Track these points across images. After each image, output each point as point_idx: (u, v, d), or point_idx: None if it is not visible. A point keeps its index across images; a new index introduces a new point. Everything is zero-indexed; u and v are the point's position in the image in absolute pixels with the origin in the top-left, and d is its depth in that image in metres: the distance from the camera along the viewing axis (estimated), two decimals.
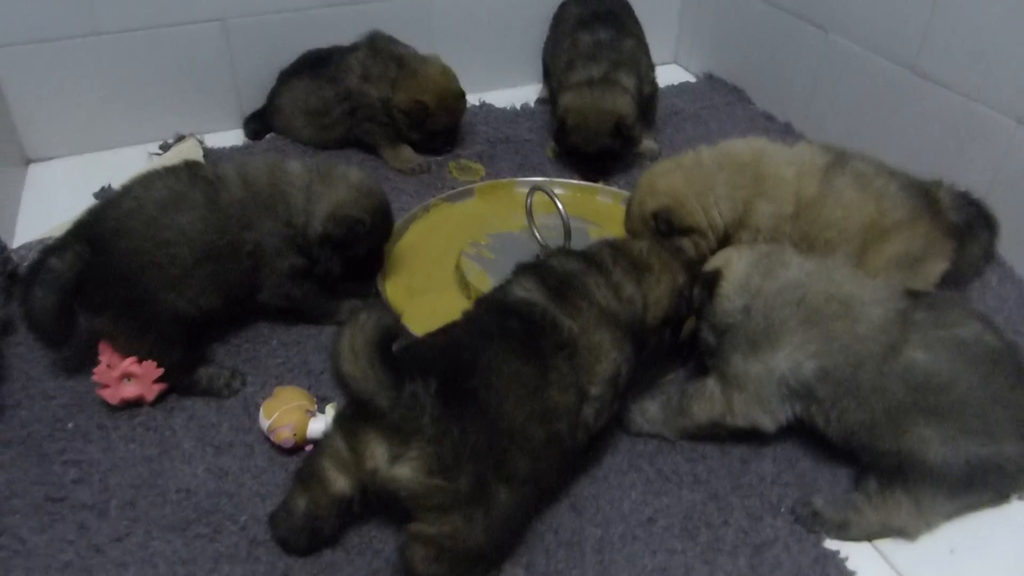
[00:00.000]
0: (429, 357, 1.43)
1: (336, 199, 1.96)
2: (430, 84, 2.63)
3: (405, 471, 1.33)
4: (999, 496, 1.62)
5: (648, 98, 2.74)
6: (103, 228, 1.77)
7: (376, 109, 2.66)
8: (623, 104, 2.55)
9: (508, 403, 1.40)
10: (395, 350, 1.37)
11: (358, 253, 2.01)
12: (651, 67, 2.78)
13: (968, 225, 1.97)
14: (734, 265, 1.75)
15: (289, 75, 2.74)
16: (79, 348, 1.89)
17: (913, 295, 1.65)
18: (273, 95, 2.78)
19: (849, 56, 2.66)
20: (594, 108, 2.54)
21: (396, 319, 1.37)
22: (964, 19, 2.26)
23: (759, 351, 1.65)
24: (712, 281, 1.74)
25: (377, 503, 1.45)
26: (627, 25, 2.76)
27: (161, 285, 1.77)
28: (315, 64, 2.69)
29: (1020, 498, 1.66)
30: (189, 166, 1.91)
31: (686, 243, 1.99)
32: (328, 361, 1.91)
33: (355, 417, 1.38)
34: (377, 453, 1.35)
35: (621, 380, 1.60)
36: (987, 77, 2.22)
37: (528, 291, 1.57)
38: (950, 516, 1.60)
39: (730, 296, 1.71)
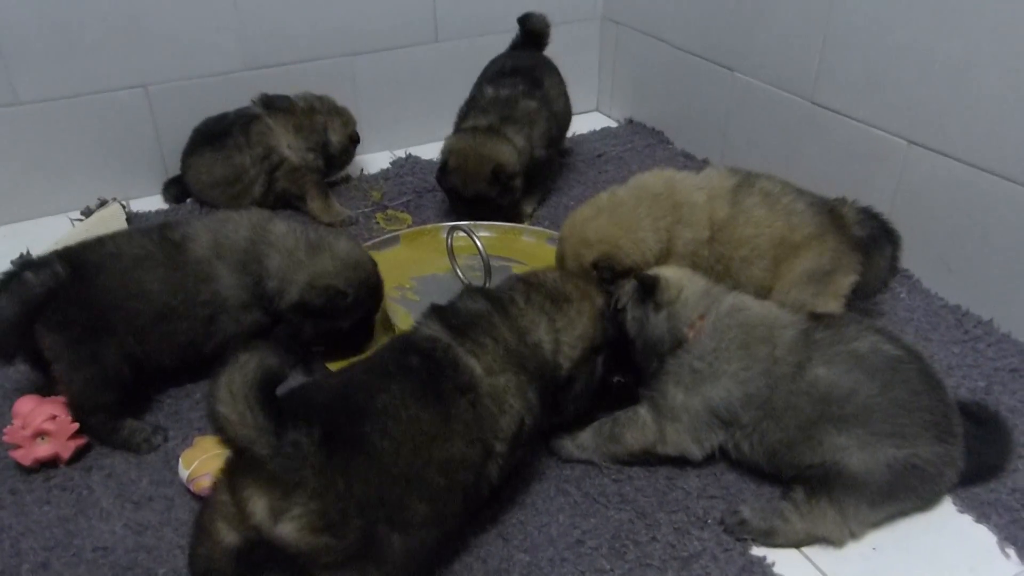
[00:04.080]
0: (318, 401, 1.38)
1: (317, 268, 1.94)
2: (349, 113, 2.90)
3: (289, 529, 1.26)
4: (922, 502, 1.66)
5: (538, 164, 2.74)
6: (88, 258, 1.82)
7: (309, 161, 2.75)
8: (504, 153, 2.57)
9: (405, 449, 1.36)
10: (284, 392, 1.32)
11: (338, 326, 1.97)
12: (551, 137, 2.79)
13: (873, 239, 2.04)
14: (691, 277, 1.80)
15: (188, 153, 2.78)
16: None
17: (814, 317, 1.73)
18: (181, 171, 2.82)
19: (755, 92, 2.79)
20: (474, 152, 2.56)
21: (282, 362, 1.28)
22: (852, 53, 2.40)
23: (701, 383, 1.68)
24: (651, 285, 1.76)
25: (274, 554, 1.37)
26: (541, 87, 2.78)
27: (124, 328, 1.81)
28: (212, 138, 2.73)
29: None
30: (163, 228, 1.95)
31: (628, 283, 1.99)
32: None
33: (237, 468, 1.32)
34: (258, 509, 1.27)
35: (525, 432, 1.56)
36: (878, 104, 2.36)
37: (432, 330, 1.56)
38: (875, 524, 1.64)
39: (691, 303, 1.74)
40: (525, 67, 2.79)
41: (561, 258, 2.08)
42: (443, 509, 1.42)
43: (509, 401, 1.52)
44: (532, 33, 2.89)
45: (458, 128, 2.69)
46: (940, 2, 2.13)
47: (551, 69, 2.89)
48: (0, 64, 2.53)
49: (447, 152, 2.62)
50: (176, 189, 2.84)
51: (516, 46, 2.92)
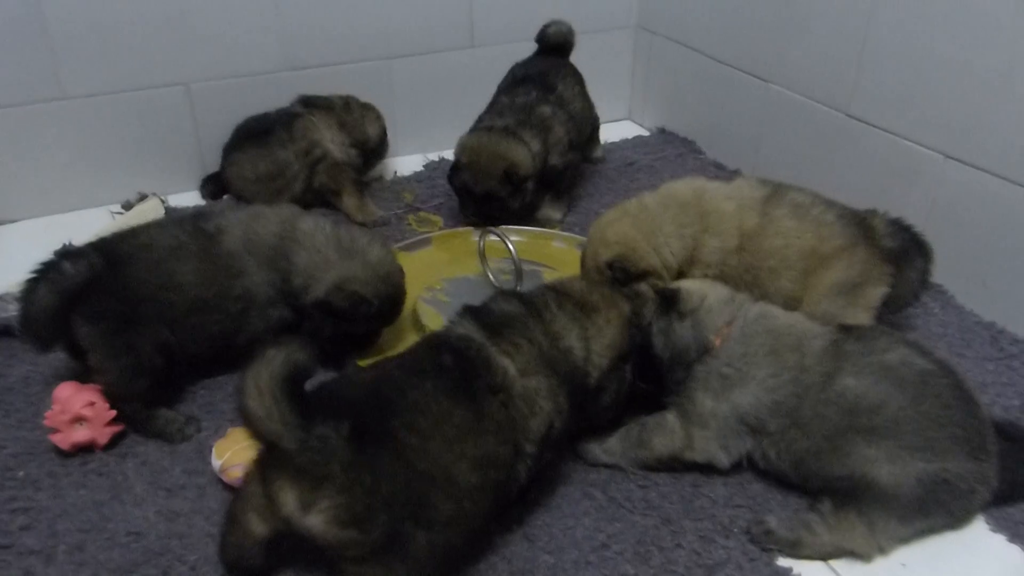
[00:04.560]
0: (348, 396, 1.39)
1: (347, 272, 1.95)
2: (376, 108, 2.95)
3: (316, 521, 1.28)
4: (954, 519, 1.64)
5: (558, 170, 2.73)
6: (122, 249, 1.85)
7: (351, 157, 2.80)
8: (517, 153, 2.55)
9: (433, 444, 1.37)
10: (315, 387, 1.34)
11: (354, 329, 1.99)
12: (571, 141, 2.77)
13: (904, 250, 2.03)
14: (712, 286, 1.82)
15: (230, 150, 2.83)
16: (32, 397, 1.91)
17: (845, 328, 1.73)
18: (221, 167, 2.86)
19: (789, 104, 2.78)
20: (487, 150, 2.55)
21: (310, 357, 1.30)
22: (889, 65, 2.39)
23: (729, 389, 1.68)
24: (672, 296, 1.77)
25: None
26: (554, 91, 2.77)
27: (157, 318, 1.84)
28: (254, 135, 2.78)
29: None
30: (196, 218, 1.98)
31: (644, 287, 2.02)
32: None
33: (268, 461, 1.33)
34: (288, 500, 1.30)
35: (553, 436, 1.57)
36: (914, 117, 2.34)
37: (466, 329, 1.56)
38: (904, 540, 1.62)
39: (715, 310, 1.75)
40: (537, 73, 2.80)
41: (583, 258, 2.12)
42: (470, 508, 1.43)
43: (540, 403, 1.53)
44: (552, 46, 2.90)
45: (473, 129, 2.70)
46: (978, 15, 2.12)
47: (567, 71, 2.88)
48: (49, 59, 2.60)
49: (460, 149, 2.62)
50: (213, 185, 2.89)
51: (540, 53, 2.93)
